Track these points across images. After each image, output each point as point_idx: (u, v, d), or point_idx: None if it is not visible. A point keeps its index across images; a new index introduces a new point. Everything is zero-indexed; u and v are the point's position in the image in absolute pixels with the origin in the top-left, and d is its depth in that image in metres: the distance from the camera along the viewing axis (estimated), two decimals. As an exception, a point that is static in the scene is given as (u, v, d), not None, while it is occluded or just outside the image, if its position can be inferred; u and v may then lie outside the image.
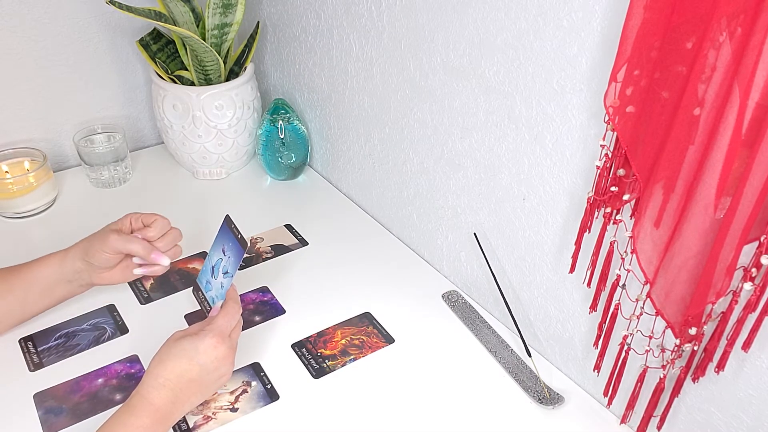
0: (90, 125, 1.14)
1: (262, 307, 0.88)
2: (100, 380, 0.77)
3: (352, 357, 0.81)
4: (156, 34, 1.11)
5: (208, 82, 1.08)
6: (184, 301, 0.88)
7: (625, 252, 0.63)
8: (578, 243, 0.69)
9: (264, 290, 0.91)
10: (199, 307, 0.83)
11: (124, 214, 0.82)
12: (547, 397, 0.76)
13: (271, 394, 0.76)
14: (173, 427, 0.71)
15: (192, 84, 1.09)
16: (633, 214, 0.62)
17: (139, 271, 0.81)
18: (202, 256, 0.96)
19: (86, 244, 0.79)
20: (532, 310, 0.82)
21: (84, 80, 1.15)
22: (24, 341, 0.82)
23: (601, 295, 0.69)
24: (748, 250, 0.52)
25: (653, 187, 0.56)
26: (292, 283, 0.93)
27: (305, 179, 1.17)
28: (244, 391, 0.76)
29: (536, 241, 0.78)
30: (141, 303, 0.88)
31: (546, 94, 0.69)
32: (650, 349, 0.65)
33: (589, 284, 0.70)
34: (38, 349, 0.81)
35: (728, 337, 0.57)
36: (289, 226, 1.04)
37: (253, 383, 0.77)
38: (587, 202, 0.64)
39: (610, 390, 0.72)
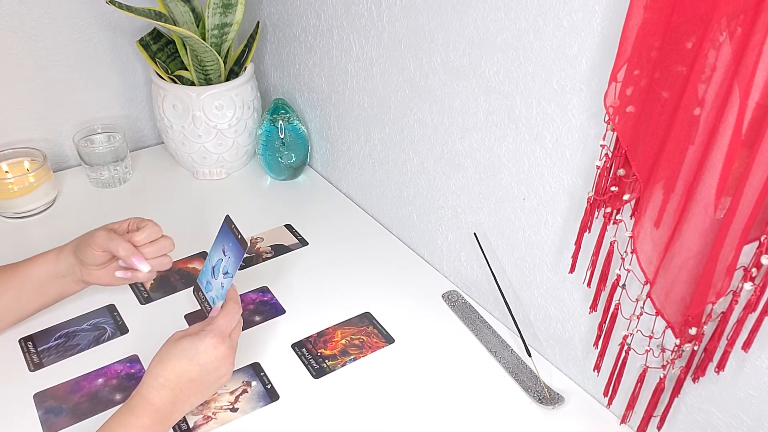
0: (90, 125, 1.14)
1: (262, 307, 0.88)
2: (100, 380, 0.77)
3: (352, 357, 0.81)
4: (156, 34, 1.11)
5: (208, 82, 1.08)
6: (184, 301, 0.89)
7: (625, 252, 0.63)
8: (578, 243, 0.69)
9: (264, 290, 0.91)
10: (200, 308, 0.83)
11: (123, 214, 0.82)
12: (547, 397, 0.76)
13: (271, 394, 0.76)
14: (173, 427, 0.71)
15: (192, 84, 1.09)
16: (633, 214, 0.62)
17: (119, 274, 0.79)
18: (202, 256, 0.96)
19: (79, 239, 0.79)
20: (532, 310, 0.82)
21: (84, 80, 1.15)
22: (24, 341, 0.82)
23: (601, 295, 0.69)
24: (748, 250, 0.52)
25: (653, 187, 0.56)
26: (292, 283, 0.93)
27: (305, 179, 1.17)
28: (244, 391, 0.76)
29: (536, 241, 0.78)
30: (141, 303, 0.88)
31: (546, 94, 0.69)
32: (650, 349, 0.65)
33: (589, 284, 0.70)
34: (38, 349, 0.81)
35: (728, 337, 0.57)
36: (289, 226, 1.04)
37: (253, 383, 0.77)
38: (587, 202, 0.64)
39: (610, 390, 0.72)
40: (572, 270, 0.71)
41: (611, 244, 0.65)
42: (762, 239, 0.51)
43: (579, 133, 0.67)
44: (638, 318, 0.64)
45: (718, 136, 0.49)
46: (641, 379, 0.67)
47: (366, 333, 0.85)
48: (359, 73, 0.97)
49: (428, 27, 0.81)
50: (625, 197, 0.60)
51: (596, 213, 0.64)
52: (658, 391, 0.65)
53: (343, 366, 0.80)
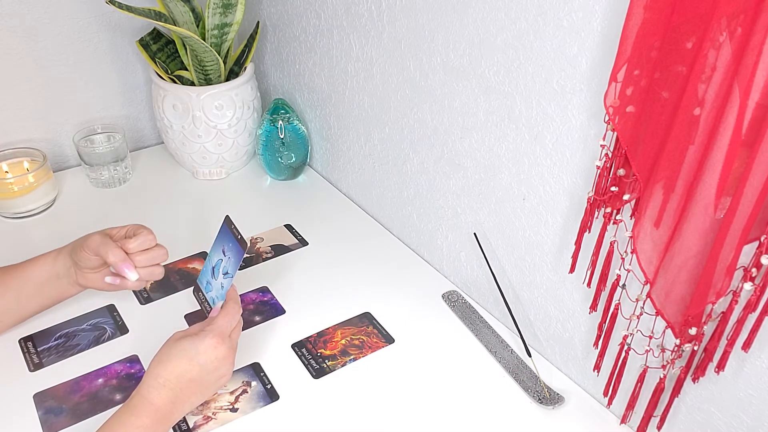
0: (90, 125, 1.14)
1: (262, 307, 0.88)
2: (100, 380, 0.77)
3: (352, 357, 0.81)
4: (156, 34, 1.11)
5: (208, 82, 1.08)
6: (184, 301, 0.89)
7: (625, 252, 0.63)
8: (578, 243, 0.69)
9: (264, 290, 0.91)
10: (200, 308, 0.83)
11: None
12: (547, 397, 0.76)
13: (271, 394, 0.76)
14: (173, 427, 0.71)
15: (192, 84, 1.09)
16: (633, 214, 0.62)
17: (108, 279, 0.78)
18: (202, 256, 0.96)
19: (76, 242, 0.79)
20: (532, 310, 0.82)
21: (84, 80, 1.15)
22: (24, 341, 0.82)
23: (601, 295, 0.69)
24: (748, 250, 0.52)
25: (653, 187, 0.56)
26: (292, 283, 0.93)
27: (305, 179, 1.17)
28: (244, 391, 0.76)
29: (536, 241, 0.78)
30: (141, 303, 0.88)
31: (546, 94, 0.69)
32: (650, 349, 0.65)
33: (589, 284, 0.70)
34: (38, 349, 0.81)
35: (728, 337, 0.57)
36: (289, 226, 1.04)
37: (253, 383, 0.77)
38: (587, 202, 0.64)
39: (610, 390, 0.72)
40: (572, 270, 0.71)
41: (611, 244, 0.65)
42: (762, 239, 0.51)
43: (579, 133, 0.67)
44: (638, 318, 0.64)
45: (718, 136, 0.49)
46: (641, 379, 0.67)
47: (366, 333, 0.85)
48: (359, 73, 0.97)
49: (428, 27, 0.81)
50: (625, 197, 0.60)
51: (596, 213, 0.64)
52: (658, 391, 0.65)
53: (343, 366, 0.80)
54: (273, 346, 0.83)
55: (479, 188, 0.83)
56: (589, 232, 0.67)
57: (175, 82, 1.08)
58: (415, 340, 0.84)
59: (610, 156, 0.60)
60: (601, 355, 0.71)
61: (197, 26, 1.04)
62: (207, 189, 1.14)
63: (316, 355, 0.81)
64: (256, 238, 1.01)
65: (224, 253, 0.78)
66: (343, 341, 0.83)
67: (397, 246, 1.01)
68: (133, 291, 0.89)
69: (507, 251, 0.82)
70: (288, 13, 1.08)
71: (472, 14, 0.74)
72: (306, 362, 0.81)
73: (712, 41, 0.48)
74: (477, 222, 0.85)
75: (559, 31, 0.65)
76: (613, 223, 0.63)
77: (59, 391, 0.76)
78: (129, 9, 0.98)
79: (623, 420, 0.72)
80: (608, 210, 0.63)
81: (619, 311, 0.67)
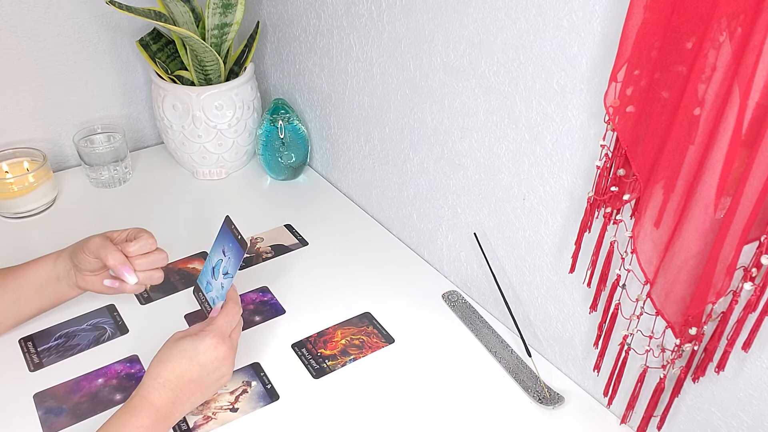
0: (90, 125, 1.14)
1: (262, 307, 0.88)
2: (100, 380, 0.77)
3: (352, 357, 0.81)
4: (156, 34, 1.11)
5: (208, 82, 1.08)
6: (184, 301, 0.89)
7: (625, 252, 0.63)
8: (578, 243, 0.69)
9: (264, 290, 0.91)
10: (200, 308, 0.83)
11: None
12: (547, 397, 0.76)
13: (271, 394, 0.76)
14: (173, 427, 0.71)
15: (192, 84, 1.09)
16: (633, 214, 0.62)
17: (107, 282, 0.78)
18: (202, 256, 0.96)
19: (77, 244, 0.79)
20: (532, 310, 0.82)
21: (84, 80, 1.15)
22: (24, 341, 0.82)
23: (601, 295, 0.69)
24: (748, 250, 0.52)
25: (653, 187, 0.56)
26: (292, 283, 0.93)
27: (305, 179, 1.17)
28: (244, 391, 0.76)
29: (536, 241, 0.78)
30: (141, 303, 0.88)
31: (546, 94, 0.69)
32: (650, 349, 0.65)
33: (589, 284, 0.70)
34: (38, 349, 0.81)
35: (728, 337, 0.57)
36: (289, 226, 1.04)
37: (253, 383, 0.78)
38: (587, 202, 0.64)
39: (610, 390, 0.72)
40: (572, 270, 0.71)
41: (611, 244, 0.65)
42: (762, 239, 0.51)
43: (579, 133, 0.67)
44: (638, 318, 0.64)
45: (718, 136, 0.49)
46: (641, 379, 0.67)
47: (366, 333, 0.85)
48: (359, 73, 0.97)
49: (428, 27, 0.81)
50: (625, 197, 0.60)
51: (596, 213, 0.64)
52: (658, 391, 0.65)
53: (343, 366, 0.80)
54: (273, 346, 0.83)
55: (479, 188, 0.83)
56: (589, 232, 0.67)
57: (175, 82, 1.08)
58: (415, 340, 0.84)
59: (610, 156, 0.60)
60: (601, 355, 0.71)
61: (197, 26, 1.04)
62: (207, 189, 1.14)
63: (316, 355, 0.81)
64: (256, 238, 1.01)
65: (224, 254, 0.78)
66: (343, 341, 0.83)
67: (397, 246, 1.01)
68: (133, 291, 0.89)
69: (507, 251, 0.82)
70: (288, 13, 1.08)
71: (472, 14, 0.74)
72: (306, 362, 0.81)
73: (712, 41, 0.48)
74: (477, 222, 0.85)
75: (559, 31, 0.65)
76: (613, 223, 0.63)
77: (59, 391, 0.76)
78: (129, 9, 0.98)
79: (623, 420, 0.72)
80: (608, 210, 0.63)
81: (619, 311, 0.67)
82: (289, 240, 1.01)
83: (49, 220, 1.05)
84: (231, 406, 0.75)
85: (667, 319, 0.59)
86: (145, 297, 0.89)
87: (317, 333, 0.84)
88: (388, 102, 0.93)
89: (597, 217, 0.64)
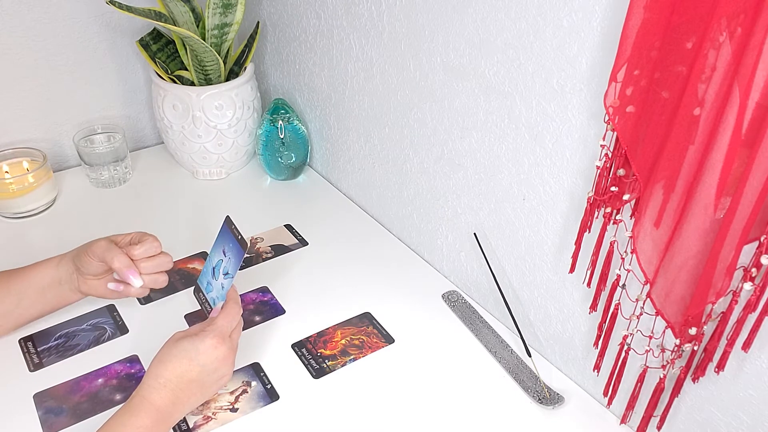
0: (90, 125, 1.14)
1: (262, 307, 0.88)
2: (100, 380, 0.77)
3: (352, 357, 0.81)
4: (156, 34, 1.11)
5: (208, 82, 1.08)
6: (184, 301, 0.89)
7: (625, 252, 0.63)
8: (578, 243, 0.69)
9: (264, 290, 0.91)
10: (200, 308, 0.83)
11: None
12: (547, 397, 0.76)
13: (271, 394, 0.76)
14: (173, 428, 0.71)
15: (192, 84, 1.09)
16: (633, 214, 0.62)
17: (111, 286, 0.78)
18: (202, 256, 0.96)
19: (80, 248, 0.79)
20: (532, 310, 0.82)
21: (84, 80, 1.15)
22: (24, 341, 0.82)
23: (601, 295, 0.69)
24: (748, 250, 0.52)
25: (653, 187, 0.56)
26: (292, 283, 0.93)
27: (305, 179, 1.17)
28: (244, 391, 0.76)
29: (536, 241, 0.78)
30: (141, 303, 0.88)
31: (546, 94, 0.69)
32: (650, 349, 0.65)
33: (589, 284, 0.70)
34: (38, 349, 0.81)
35: (728, 337, 0.57)
36: (289, 226, 1.04)
37: (253, 383, 0.78)
38: (587, 202, 0.64)
39: (610, 390, 0.72)
40: (572, 270, 0.71)
41: (611, 244, 0.65)
42: (762, 239, 0.51)
43: (579, 133, 0.67)
44: (638, 318, 0.64)
45: (718, 136, 0.49)
46: (641, 379, 0.67)
47: (366, 333, 0.85)
48: (359, 73, 0.97)
49: (428, 27, 0.81)
50: (625, 197, 0.60)
51: (596, 213, 0.64)
52: (658, 391, 0.65)
53: (343, 366, 0.80)
54: (273, 346, 0.83)
55: (479, 188, 0.83)
56: (589, 232, 0.67)
57: (175, 82, 1.08)
58: (415, 340, 0.84)
59: (610, 156, 0.60)
60: (601, 355, 0.71)
61: (197, 26, 1.04)
62: (207, 189, 1.14)
63: (316, 355, 0.82)
64: (256, 238, 1.01)
65: (224, 254, 0.78)
66: (343, 341, 0.83)
67: (397, 246, 1.01)
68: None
69: (507, 251, 0.82)
70: (288, 13, 1.08)
71: (472, 14, 0.74)
72: (306, 362, 0.81)
73: (712, 41, 0.48)
74: (477, 222, 0.86)
75: (559, 31, 0.65)
76: (613, 223, 0.63)
77: (59, 391, 0.76)
78: (129, 9, 0.98)
79: (623, 420, 0.72)
80: (608, 210, 0.63)
81: (619, 311, 0.67)
82: (289, 240, 1.01)
83: (49, 221, 1.05)
84: (231, 406, 0.75)
85: (667, 319, 0.59)
86: (145, 297, 0.89)
87: (317, 333, 0.85)
88: (388, 102, 0.93)
89: (597, 217, 0.64)
